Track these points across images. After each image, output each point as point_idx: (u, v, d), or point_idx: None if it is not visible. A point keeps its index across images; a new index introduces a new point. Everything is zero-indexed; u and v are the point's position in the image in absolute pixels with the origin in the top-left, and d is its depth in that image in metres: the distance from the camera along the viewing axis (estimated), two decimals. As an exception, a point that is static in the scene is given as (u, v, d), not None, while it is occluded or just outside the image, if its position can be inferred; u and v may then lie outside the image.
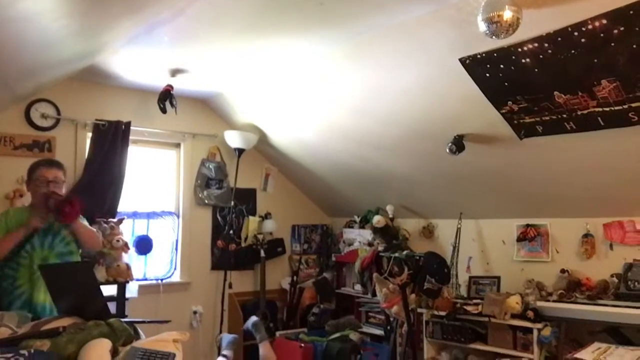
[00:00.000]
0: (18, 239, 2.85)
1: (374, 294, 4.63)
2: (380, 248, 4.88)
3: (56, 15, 2.54)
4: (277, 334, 5.12)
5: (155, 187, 5.04)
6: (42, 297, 2.85)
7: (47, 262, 2.89)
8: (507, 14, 2.43)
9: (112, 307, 3.92)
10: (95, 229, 3.44)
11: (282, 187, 5.79)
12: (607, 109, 2.91)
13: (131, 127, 4.56)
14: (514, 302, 3.81)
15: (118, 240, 4.24)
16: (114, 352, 1.88)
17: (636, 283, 3.51)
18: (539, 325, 3.63)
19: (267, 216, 5.53)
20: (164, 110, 4.35)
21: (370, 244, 5.10)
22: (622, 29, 2.47)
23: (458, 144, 3.71)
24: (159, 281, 4.83)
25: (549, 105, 3.10)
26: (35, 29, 2.62)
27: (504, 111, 3.31)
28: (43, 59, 3.35)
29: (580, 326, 3.67)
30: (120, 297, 4.09)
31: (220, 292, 5.10)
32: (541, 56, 2.79)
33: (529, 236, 4.23)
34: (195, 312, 5.01)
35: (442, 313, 4.14)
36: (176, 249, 5.02)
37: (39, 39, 2.82)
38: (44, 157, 4.21)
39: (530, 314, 3.69)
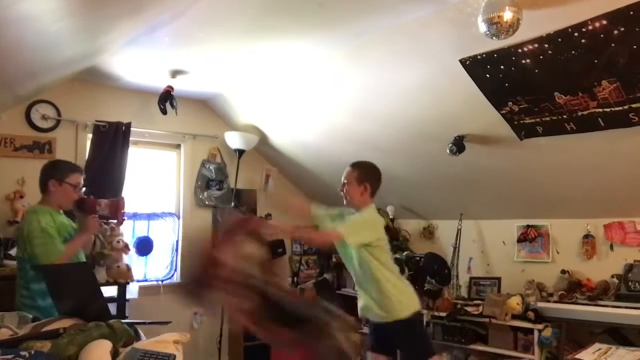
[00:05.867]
0: (83, 244, 3.02)
1: (375, 295, 4.62)
2: (380, 249, 4.87)
3: (57, 16, 2.54)
4: (278, 335, 5.12)
5: (155, 188, 5.04)
6: None
7: None
8: (507, 15, 2.44)
9: (112, 308, 3.92)
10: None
11: (283, 188, 5.78)
12: (608, 109, 2.91)
13: (131, 128, 4.55)
14: (515, 302, 3.81)
15: (118, 242, 4.23)
16: (115, 354, 1.87)
17: (637, 284, 3.51)
18: (540, 326, 3.63)
19: (267, 217, 5.53)
20: (164, 112, 4.35)
21: (370, 245, 5.10)
22: (622, 29, 2.47)
23: (458, 144, 3.71)
24: (160, 282, 4.83)
25: (549, 106, 3.10)
26: (35, 30, 2.62)
27: (504, 112, 3.31)
28: (43, 60, 3.35)
29: (580, 327, 3.67)
30: (121, 298, 4.09)
31: (220, 293, 5.09)
32: (541, 57, 2.79)
33: (530, 237, 4.23)
34: (195, 313, 5.00)
35: (443, 314, 4.14)
36: (176, 250, 5.02)
37: (40, 40, 2.82)
38: (45, 158, 4.23)
39: (530, 314, 3.69)
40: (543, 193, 3.94)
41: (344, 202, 3.20)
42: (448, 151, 3.73)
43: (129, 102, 4.70)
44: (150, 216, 4.90)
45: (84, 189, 3.08)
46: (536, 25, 2.63)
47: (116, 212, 2.98)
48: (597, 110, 2.95)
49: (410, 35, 3.10)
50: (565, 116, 3.11)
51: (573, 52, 2.68)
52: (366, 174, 3.17)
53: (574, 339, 3.72)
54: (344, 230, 2.94)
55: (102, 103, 4.56)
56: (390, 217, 5.06)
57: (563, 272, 3.92)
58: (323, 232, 3.16)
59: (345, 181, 3.20)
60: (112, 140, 4.46)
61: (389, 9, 2.88)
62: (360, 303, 3.15)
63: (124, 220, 3.20)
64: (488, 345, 3.96)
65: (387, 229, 4.93)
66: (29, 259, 2.81)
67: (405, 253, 4.54)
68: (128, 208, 4.62)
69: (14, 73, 3.38)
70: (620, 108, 2.86)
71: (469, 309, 4.05)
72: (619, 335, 3.42)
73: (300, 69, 3.90)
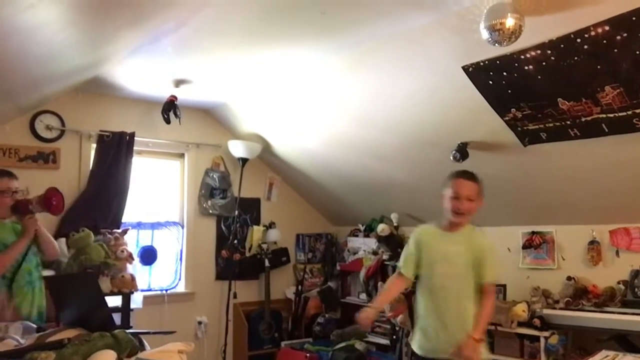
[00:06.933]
0: (22, 248, 2.90)
1: (379, 303, 4.60)
2: (385, 257, 4.86)
3: (60, 26, 2.56)
4: (283, 344, 5.10)
5: (159, 197, 5.05)
6: (28, 310, 2.85)
7: (31, 275, 2.92)
8: (510, 22, 2.43)
9: (116, 318, 3.90)
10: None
11: (286, 197, 5.79)
12: (611, 115, 2.90)
13: (135, 138, 4.58)
14: (521, 310, 3.78)
15: (122, 251, 4.23)
16: (119, 364, 1.87)
17: (643, 290, 3.49)
18: (546, 334, 3.61)
19: (271, 225, 5.53)
20: (167, 121, 4.36)
21: (375, 253, 5.08)
22: (625, 35, 2.47)
23: (462, 151, 3.71)
24: (164, 292, 4.82)
25: (552, 112, 3.09)
26: (39, 41, 2.64)
27: (507, 118, 3.31)
28: (47, 71, 3.37)
29: (587, 334, 3.64)
30: (125, 308, 4.08)
31: (225, 302, 5.09)
32: (544, 63, 2.79)
33: (535, 243, 4.21)
34: (200, 323, 5.00)
35: (448, 321, 4.11)
36: (180, 259, 5.01)
37: (44, 50, 2.83)
38: (49, 168, 4.26)
39: (536, 322, 3.67)
40: (548, 199, 3.93)
41: (453, 218, 2.80)
42: (451, 158, 3.72)
43: (133, 112, 4.72)
44: (154, 225, 4.90)
45: (18, 192, 3.02)
46: (538, 31, 2.63)
47: (47, 204, 2.86)
48: (600, 116, 2.94)
49: (413, 42, 3.10)
50: (568, 122, 3.10)
51: (576, 58, 2.68)
52: (482, 187, 2.78)
53: (581, 346, 3.69)
54: (493, 277, 2.70)
55: (106, 113, 4.58)
56: (394, 224, 5.05)
57: (569, 278, 3.90)
58: (492, 300, 2.72)
59: (473, 198, 2.74)
60: (116, 150, 4.48)
61: (391, 17, 2.89)
62: None
63: (60, 208, 2.98)
64: (494, 353, 3.92)
65: (392, 236, 4.96)
66: None
67: (409, 261, 4.51)
68: (130, 215, 4.64)
69: (18, 84, 3.39)
70: (624, 113, 2.86)
71: (474, 316, 4.02)
72: (626, 342, 3.39)
73: (303, 77, 3.91)
